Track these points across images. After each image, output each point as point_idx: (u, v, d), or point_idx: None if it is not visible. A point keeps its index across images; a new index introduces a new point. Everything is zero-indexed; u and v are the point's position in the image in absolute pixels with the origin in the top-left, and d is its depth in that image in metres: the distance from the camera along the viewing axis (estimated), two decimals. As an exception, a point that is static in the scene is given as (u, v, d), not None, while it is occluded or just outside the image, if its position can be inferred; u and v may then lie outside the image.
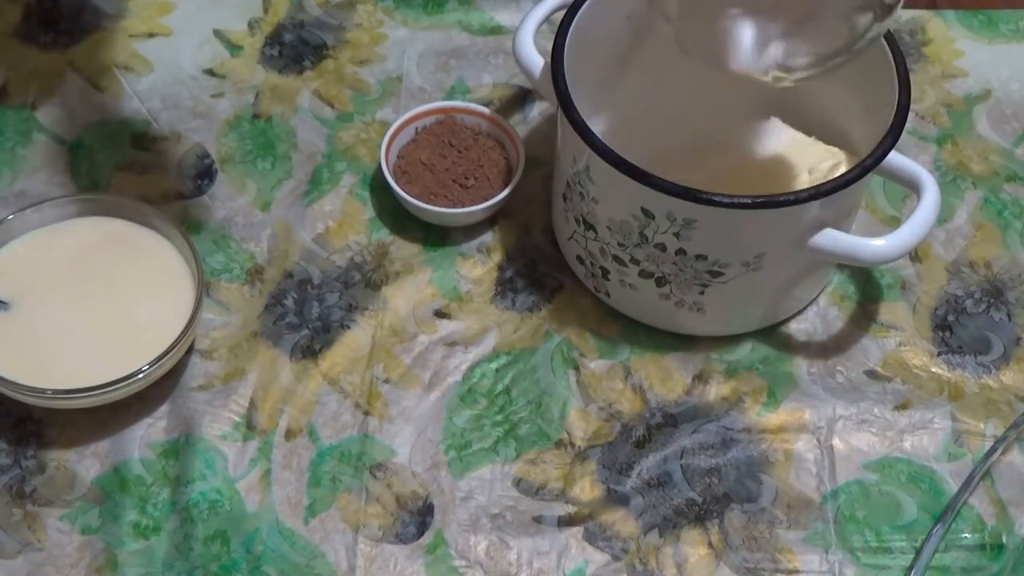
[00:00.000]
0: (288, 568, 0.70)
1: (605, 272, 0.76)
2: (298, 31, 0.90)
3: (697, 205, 0.68)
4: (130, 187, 0.82)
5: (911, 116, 0.87)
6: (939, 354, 0.78)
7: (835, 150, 0.78)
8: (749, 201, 0.68)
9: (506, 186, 0.80)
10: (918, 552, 0.71)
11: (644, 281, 0.74)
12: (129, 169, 0.83)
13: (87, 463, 0.73)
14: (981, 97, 0.89)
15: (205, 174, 0.83)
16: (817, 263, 0.75)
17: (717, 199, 0.68)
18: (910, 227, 0.70)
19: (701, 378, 0.77)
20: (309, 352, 0.77)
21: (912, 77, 0.89)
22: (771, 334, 0.79)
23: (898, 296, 0.80)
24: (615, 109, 0.84)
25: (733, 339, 0.78)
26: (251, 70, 0.88)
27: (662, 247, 0.72)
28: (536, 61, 0.76)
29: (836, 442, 0.75)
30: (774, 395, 0.76)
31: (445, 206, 0.80)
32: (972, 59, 0.90)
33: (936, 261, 0.82)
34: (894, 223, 0.82)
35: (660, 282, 0.74)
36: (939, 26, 0.92)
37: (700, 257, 0.71)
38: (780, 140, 0.79)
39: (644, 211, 0.70)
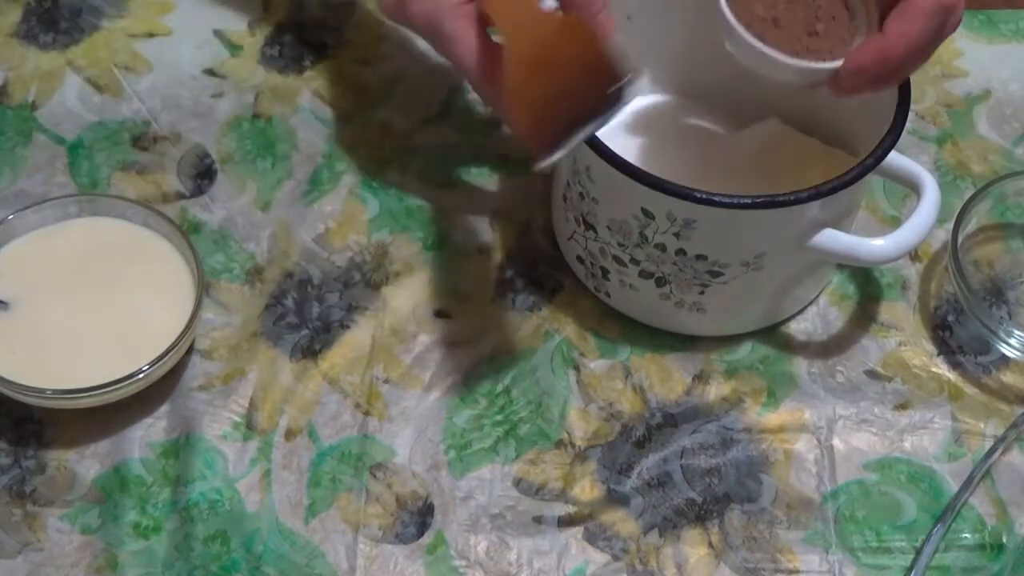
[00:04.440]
0: (288, 568, 0.70)
1: (605, 272, 0.76)
2: (298, 31, 0.90)
3: (697, 205, 0.68)
4: (130, 187, 0.82)
5: (911, 116, 0.87)
6: (939, 354, 0.78)
7: (835, 150, 0.78)
8: (749, 201, 0.68)
9: (855, 18, 0.71)
10: (918, 552, 0.71)
11: (644, 281, 0.74)
12: (129, 169, 0.83)
13: (87, 463, 0.73)
14: (981, 97, 0.89)
15: (205, 174, 0.83)
16: (817, 263, 0.75)
17: (717, 199, 0.68)
18: (910, 227, 0.70)
19: (701, 378, 0.77)
20: (309, 352, 0.77)
21: (912, 77, 0.90)
22: (771, 334, 0.79)
23: (898, 296, 0.80)
24: None
25: (733, 339, 0.78)
26: (251, 70, 0.88)
27: (662, 247, 0.71)
28: None
29: (836, 442, 0.75)
30: (774, 395, 0.76)
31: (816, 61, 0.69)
32: (972, 59, 0.90)
33: (936, 261, 0.82)
34: (894, 223, 0.82)
35: (660, 282, 0.74)
36: (939, 26, 0.92)
37: (700, 257, 0.71)
38: (780, 140, 0.79)
39: (644, 211, 0.70)
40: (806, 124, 0.80)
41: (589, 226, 0.74)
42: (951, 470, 0.74)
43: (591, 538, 0.71)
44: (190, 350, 0.76)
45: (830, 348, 0.78)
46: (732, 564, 0.71)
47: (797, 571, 0.71)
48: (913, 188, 0.72)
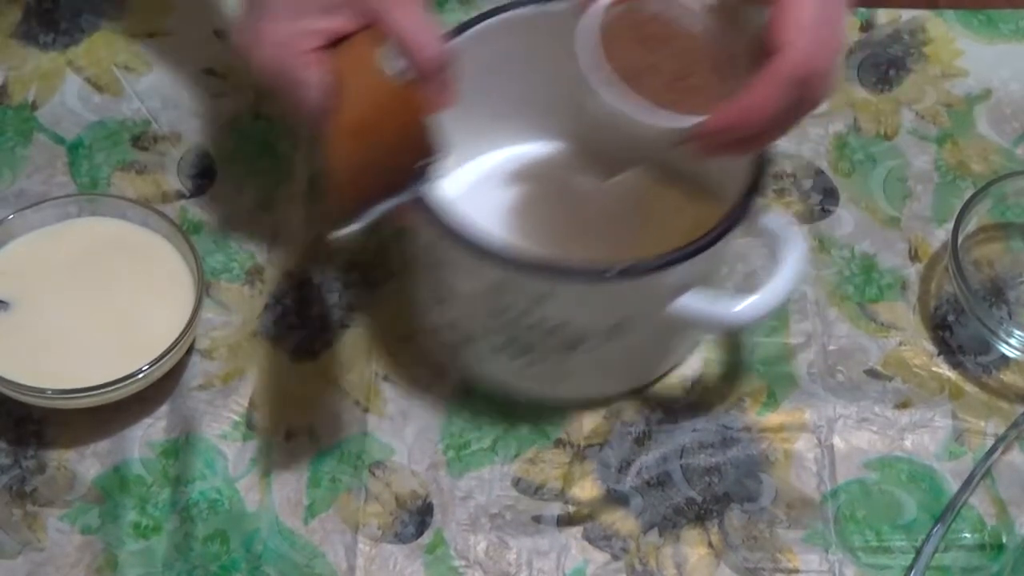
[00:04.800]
0: (288, 568, 0.70)
1: (464, 343, 0.73)
2: (298, 31, 0.90)
3: (552, 278, 0.64)
4: (130, 187, 0.83)
5: (911, 116, 0.87)
6: (939, 354, 0.78)
7: (702, 202, 0.74)
8: (603, 273, 0.64)
9: (736, 76, 0.65)
10: (918, 552, 0.71)
11: (505, 352, 0.71)
12: (129, 169, 0.83)
13: (87, 463, 0.73)
14: (981, 97, 0.89)
15: (205, 174, 0.84)
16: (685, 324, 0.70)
17: (571, 272, 0.64)
18: (773, 287, 0.66)
19: (701, 377, 0.77)
20: (309, 352, 0.77)
21: (912, 77, 0.90)
22: (771, 334, 0.78)
23: (898, 296, 0.80)
24: (468, 163, 0.79)
25: (733, 340, 0.78)
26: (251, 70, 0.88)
27: (520, 318, 0.67)
28: None
29: (836, 441, 0.75)
30: (774, 395, 0.76)
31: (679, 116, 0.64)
32: (972, 59, 0.90)
33: (936, 261, 0.82)
34: (894, 224, 0.83)
35: (522, 352, 0.70)
36: (939, 26, 0.92)
37: (560, 327, 0.67)
38: (646, 190, 0.76)
39: (499, 284, 0.66)
40: (672, 174, 0.76)
41: (444, 299, 0.71)
42: (951, 469, 0.74)
43: (591, 537, 0.71)
44: (190, 350, 0.76)
45: (830, 348, 0.78)
46: (732, 564, 0.71)
47: (797, 571, 0.71)
48: (778, 242, 0.68)
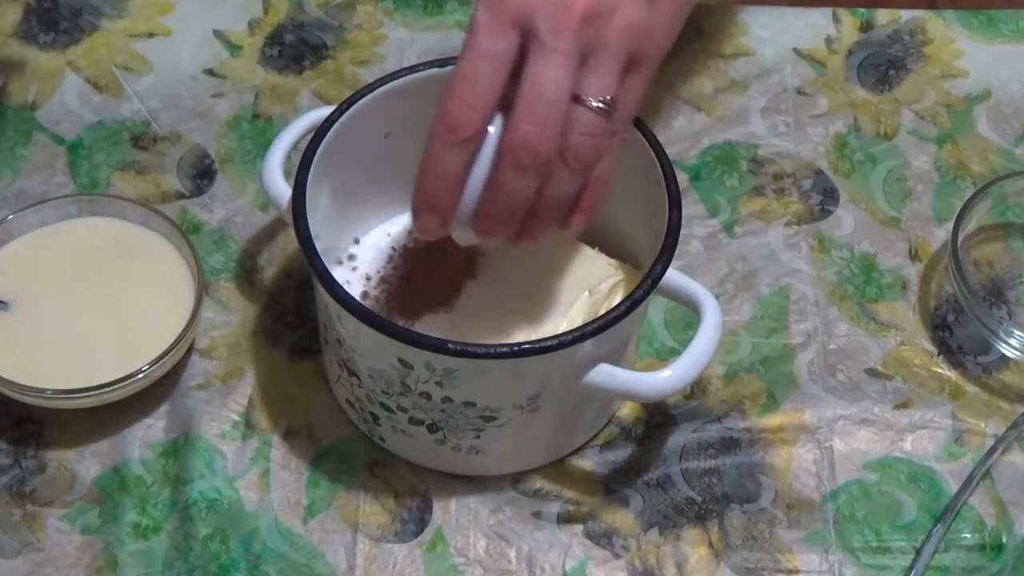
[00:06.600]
0: (287, 567, 0.70)
1: (375, 417, 0.71)
2: (298, 31, 0.90)
3: (454, 357, 0.62)
4: (130, 187, 0.83)
5: (911, 116, 0.87)
6: (939, 354, 0.78)
7: (617, 264, 0.73)
8: (507, 350, 0.62)
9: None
10: (918, 552, 0.71)
11: (416, 428, 0.69)
12: (129, 169, 0.83)
13: (87, 463, 0.73)
14: (981, 97, 0.89)
15: (205, 174, 0.84)
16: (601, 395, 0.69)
17: (472, 351, 0.62)
18: (690, 357, 0.65)
19: (701, 378, 0.76)
20: (308, 351, 0.77)
21: (912, 77, 0.89)
22: (771, 335, 0.78)
23: (898, 296, 0.80)
24: (378, 229, 0.77)
25: (732, 340, 0.78)
26: (251, 70, 0.88)
27: (427, 395, 0.66)
28: (283, 192, 0.70)
29: (836, 442, 0.75)
30: (774, 396, 0.76)
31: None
32: (972, 59, 0.90)
33: (936, 261, 0.82)
34: (895, 224, 0.83)
35: (432, 428, 0.69)
36: (939, 26, 0.92)
37: (468, 404, 0.66)
38: (559, 252, 0.73)
39: (401, 361, 0.64)
40: (589, 234, 0.73)
41: (352, 372, 0.69)
42: (951, 470, 0.74)
43: (591, 536, 0.71)
44: (190, 350, 0.76)
45: (830, 348, 0.78)
46: (732, 564, 0.71)
47: (797, 571, 0.71)
48: (694, 308, 0.67)
